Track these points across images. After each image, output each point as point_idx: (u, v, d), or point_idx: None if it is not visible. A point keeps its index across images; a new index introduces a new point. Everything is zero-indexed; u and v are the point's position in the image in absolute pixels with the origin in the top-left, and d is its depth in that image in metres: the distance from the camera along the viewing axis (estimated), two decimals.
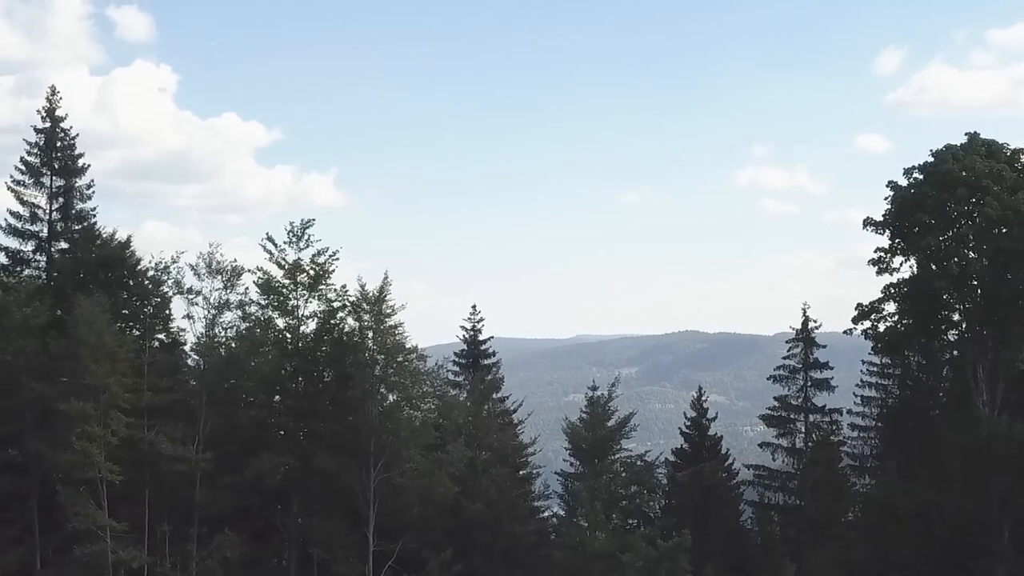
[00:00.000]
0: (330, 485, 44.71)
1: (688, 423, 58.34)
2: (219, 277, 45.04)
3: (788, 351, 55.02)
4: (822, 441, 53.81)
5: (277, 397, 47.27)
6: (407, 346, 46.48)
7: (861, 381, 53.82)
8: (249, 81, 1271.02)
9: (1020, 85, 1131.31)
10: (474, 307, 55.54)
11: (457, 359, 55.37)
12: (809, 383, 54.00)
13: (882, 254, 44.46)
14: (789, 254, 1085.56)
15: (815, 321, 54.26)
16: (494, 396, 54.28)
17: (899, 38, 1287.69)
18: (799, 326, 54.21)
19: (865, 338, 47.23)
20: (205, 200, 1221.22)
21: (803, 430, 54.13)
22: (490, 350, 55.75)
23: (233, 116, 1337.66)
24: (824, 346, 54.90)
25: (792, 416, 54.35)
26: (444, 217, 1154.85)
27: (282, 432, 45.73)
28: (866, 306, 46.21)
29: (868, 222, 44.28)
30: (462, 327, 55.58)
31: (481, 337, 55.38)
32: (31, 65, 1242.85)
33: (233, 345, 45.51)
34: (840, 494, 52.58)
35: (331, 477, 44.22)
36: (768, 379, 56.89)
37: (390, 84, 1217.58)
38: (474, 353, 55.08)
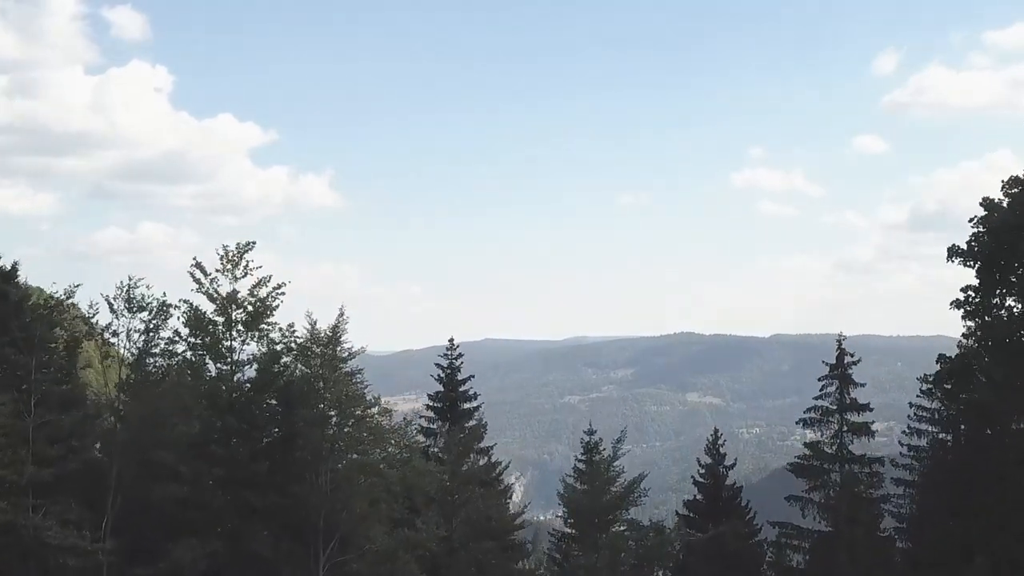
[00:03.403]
0: (269, 573, 36.20)
1: (702, 471, 50.31)
2: (140, 316, 36.74)
3: (821, 390, 47.16)
4: (859, 495, 45.85)
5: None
6: (367, 398, 38.14)
7: (908, 428, 45.77)
8: (244, 82, 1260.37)
9: (1018, 86, 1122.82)
10: (451, 341, 47.17)
11: (432, 403, 47.02)
12: (845, 428, 46.21)
13: (971, 294, 35.32)
14: (785, 256, 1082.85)
15: (851, 355, 46.46)
16: (477, 446, 46.01)
17: (896, 40, 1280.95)
18: (833, 360, 46.49)
19: (952, 401, 38.43)
20: (201, 201, 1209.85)
21: (838, 482, 46.28)
22: (471, 391, 47.42)
23: (229, 117, 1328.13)
24: (863, 384, 47.56)
25: (826, 466, 46.44)
26: (440, 218, 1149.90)
27: (209, 508, 36.75)
28: (950, 359, 37.31)
29: (954, 252, 35.11)
30: (437, 364, 47.26)
31: (460, 376, 46.99)
32: (26, 65, 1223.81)
33: (154, 398, 36.92)
34: (886, 562, 44.60)
35: (270, 564, 35.79)
36: (797, 423, 49.33)
37: (385, 85, 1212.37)
38: (452, 396, 46.72)
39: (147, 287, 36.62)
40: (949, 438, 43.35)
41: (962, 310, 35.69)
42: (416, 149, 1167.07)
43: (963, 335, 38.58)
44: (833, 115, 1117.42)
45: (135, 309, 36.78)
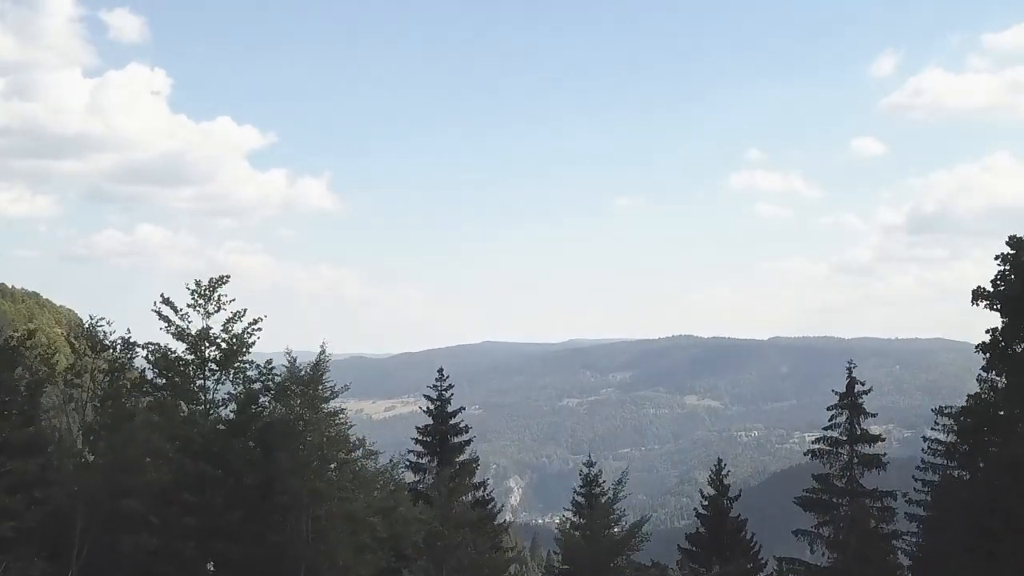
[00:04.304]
0: None
1: (705, 502, 48.20)
2: (105, 356, 34.50)
3: (830, 419, 45.18)
4: (870, 531, 43.71)
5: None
6: (351, 439, 35.88)
7: (922, 461, 43.61)
8: (243, 85, 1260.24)
9: (1016, 89, 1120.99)
10: (440, 371, 44.96)
11: (421, 436, 44.76)
12: (856, 460, 44.17)
13: (996, 336, 32.98)
14: (783, 259, 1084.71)
15: (862, 384, 44.51)
16: (469, 481, 43.79)
17: (895, 42, 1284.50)
18: (843, 389, 44.61)
19: (976, 442, 36.18)
20: (198, 203, 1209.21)
21: (848, 516, 44.17)
22: (462, 424, 45.23)
23: (227, 120, 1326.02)
24: (875, 414, 46.10)
25: (835, 500, 44.40)
26: (438, 221, 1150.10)
27: (182, 559, 34.32)
28: (970, 400, 34.98)
29: (979, 295, 32.76)
30: (426, 396, 45.06)
31: (450, 408, 44.75)
32: (24, 67, 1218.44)
33: (123, 443, 34.57)
34: None
35: None
36: (805, 454, 47.49)
37: (384, 87, 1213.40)
38: (441, 429, 44.48)
39: (108, 323, 34.58)
40: (966, 475, 41.24)
41: (986, 354, 33.40)
42: (414, 151, 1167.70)
43: (982, 368, 36.44)
44: (831, 117, 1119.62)
45: (99, 349, 34.70)
